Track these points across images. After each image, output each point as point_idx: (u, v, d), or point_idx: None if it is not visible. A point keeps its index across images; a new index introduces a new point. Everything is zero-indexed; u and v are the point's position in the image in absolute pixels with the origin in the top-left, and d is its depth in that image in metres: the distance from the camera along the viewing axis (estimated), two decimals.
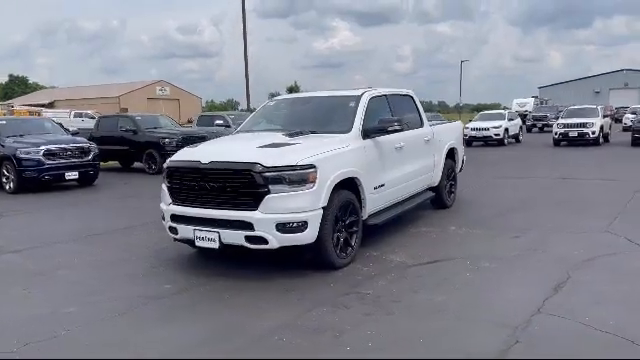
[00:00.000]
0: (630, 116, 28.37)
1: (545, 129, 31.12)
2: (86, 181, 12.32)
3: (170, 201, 5.15)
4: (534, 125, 32.50)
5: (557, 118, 31.11)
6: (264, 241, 4.61)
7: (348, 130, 5.56)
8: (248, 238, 4.63)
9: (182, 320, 4.00)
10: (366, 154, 5.54)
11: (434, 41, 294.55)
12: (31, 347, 3.55)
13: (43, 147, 11.36)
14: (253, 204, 4.61)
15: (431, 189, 7.43)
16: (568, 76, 73.21)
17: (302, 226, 4.60)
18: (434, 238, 6.23)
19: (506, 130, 22.11)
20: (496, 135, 21.75)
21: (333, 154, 5.02)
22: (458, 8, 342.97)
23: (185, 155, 5.25)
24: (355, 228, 5.27)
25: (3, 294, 4.79)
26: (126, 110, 48.78)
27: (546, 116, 31.91)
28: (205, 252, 5.60)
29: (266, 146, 4.99)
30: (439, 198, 7.65)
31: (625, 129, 26.70)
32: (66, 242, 6.67)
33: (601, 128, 19.93)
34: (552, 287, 4.32)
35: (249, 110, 27.24)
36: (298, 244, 4.69)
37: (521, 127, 24.82)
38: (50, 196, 10.81)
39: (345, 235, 5.12)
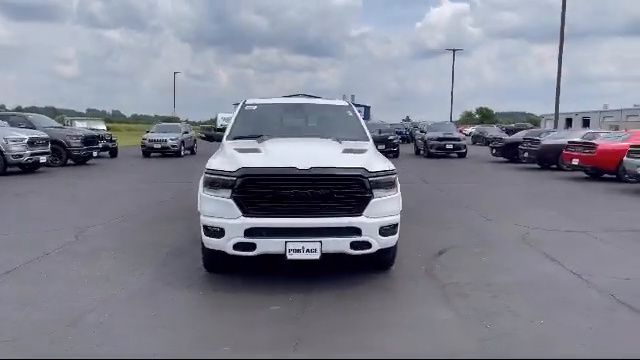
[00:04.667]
0: None
1: None
2: None
3: (240, 214, 4.50)
4: None
5: None
6: (368, 246, 4.64)
7: (367, 138, 5.92)
8: (353, 244, 4.59)
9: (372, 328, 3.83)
10: None
11: (104, 47, 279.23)
12: None
13: None
14: (358, 209, 4.59)
15: None
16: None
17: (394, 228, 4.84)
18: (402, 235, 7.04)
19: (182, 142, 23.61)
20: (173, 147, 23.00)
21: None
22: (129, 17, 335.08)
23: (262, 161, 4.65)
24: None
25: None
26: None
27: None
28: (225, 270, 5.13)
29: (347, 151, 4.98)
30: None
31: None
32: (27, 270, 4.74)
33: None
34: (565, 257, 5.83)
35: None
36: (390, 246, 4.90)
37: (195, 140, 26.09)
38: None
39: None
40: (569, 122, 66.04)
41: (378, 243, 4.69)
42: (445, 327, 3.93)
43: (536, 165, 18.24)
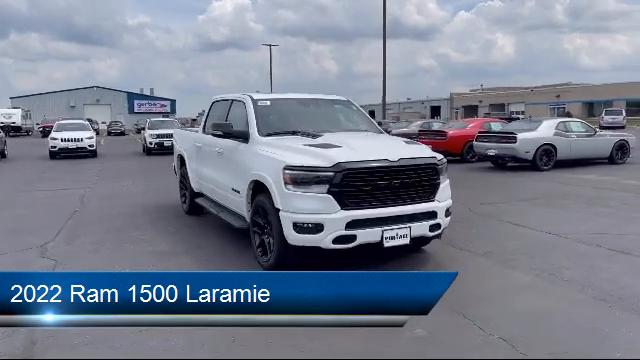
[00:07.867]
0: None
1: None
2: None
3: (339, 207, 4.54)
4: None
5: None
6: (439, 227, 5.11)
7: (381, 131, 6.29)
8: (431, 227, 5.01)
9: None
10: None
11: None
12: None
13: None
14: (432, 195, 5.03)
15: None
16: None
17: (450, 210, 5.40)
18: None
19: None
20: None
21: None
22: None
23: (356, 156, 4.67)
24: None
25: None
26: None
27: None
28: None
29: (407, 143, 5.34)
30: None
31: None
32: None
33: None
34: (525, 222, 7.07)
35: None
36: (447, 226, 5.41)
37: (5, 141, 21.35)
38: None
39: None
40: None
41: (444, 224, 5.20)
42: (539, 287, 4.64)
43: None
